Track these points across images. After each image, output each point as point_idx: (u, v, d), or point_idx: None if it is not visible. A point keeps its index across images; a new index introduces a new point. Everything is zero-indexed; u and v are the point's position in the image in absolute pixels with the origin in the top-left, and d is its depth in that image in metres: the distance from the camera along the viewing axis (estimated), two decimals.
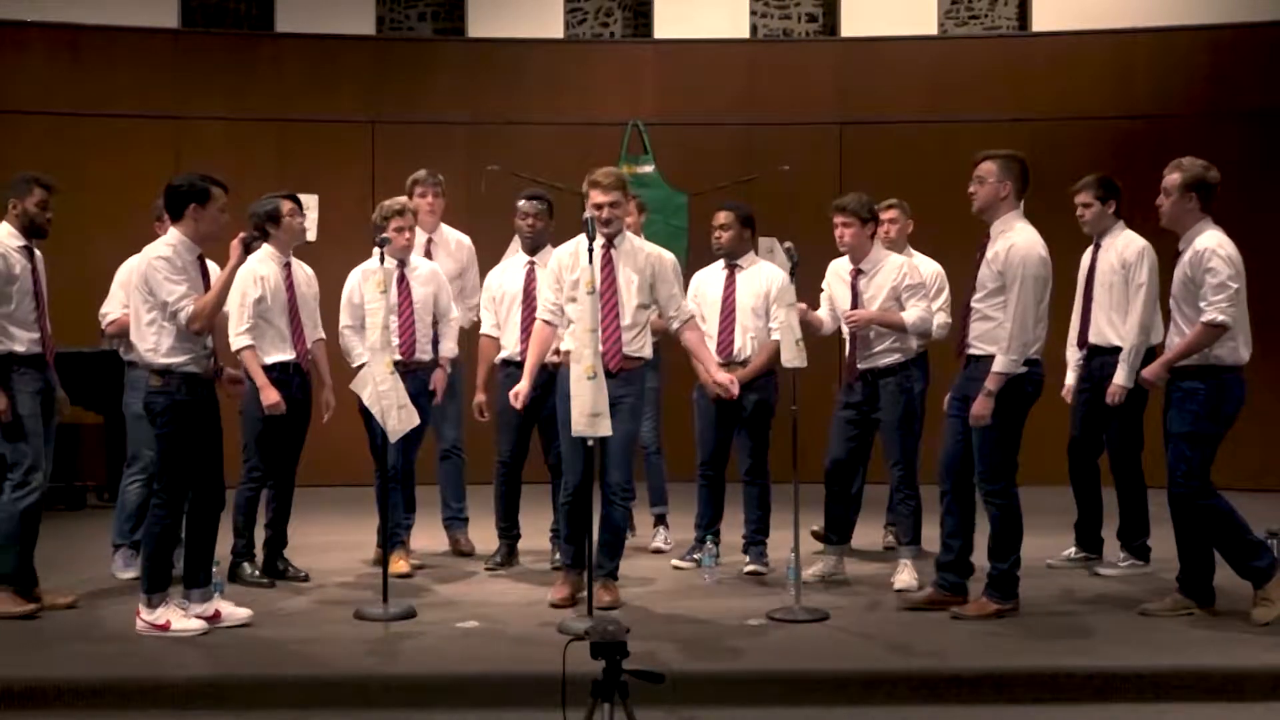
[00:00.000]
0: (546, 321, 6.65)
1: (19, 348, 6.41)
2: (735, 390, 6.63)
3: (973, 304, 6.31)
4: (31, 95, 10.56)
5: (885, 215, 7.61)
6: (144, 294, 6.08)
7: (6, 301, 6.39)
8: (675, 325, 6.68)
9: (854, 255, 7.05)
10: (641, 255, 6.63)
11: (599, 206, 6.51)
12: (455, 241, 8.05)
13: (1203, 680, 5.49)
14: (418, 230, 7.82)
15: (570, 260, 6.53)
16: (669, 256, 6.74)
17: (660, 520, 8.08)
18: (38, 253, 6.58)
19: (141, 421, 6.92)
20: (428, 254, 7.84)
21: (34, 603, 6.41)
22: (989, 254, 6.26)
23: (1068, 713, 5.38)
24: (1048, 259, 6.25)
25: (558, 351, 6.64)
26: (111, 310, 7.23)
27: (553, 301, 6.62)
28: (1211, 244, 6.12)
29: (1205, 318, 6.08)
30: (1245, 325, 6.22)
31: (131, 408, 7.08)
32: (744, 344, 7.24)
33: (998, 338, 6.17)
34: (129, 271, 7.11)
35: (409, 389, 6.61)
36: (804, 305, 6.96)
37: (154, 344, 6.07)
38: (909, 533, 7.09)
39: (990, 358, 6.18)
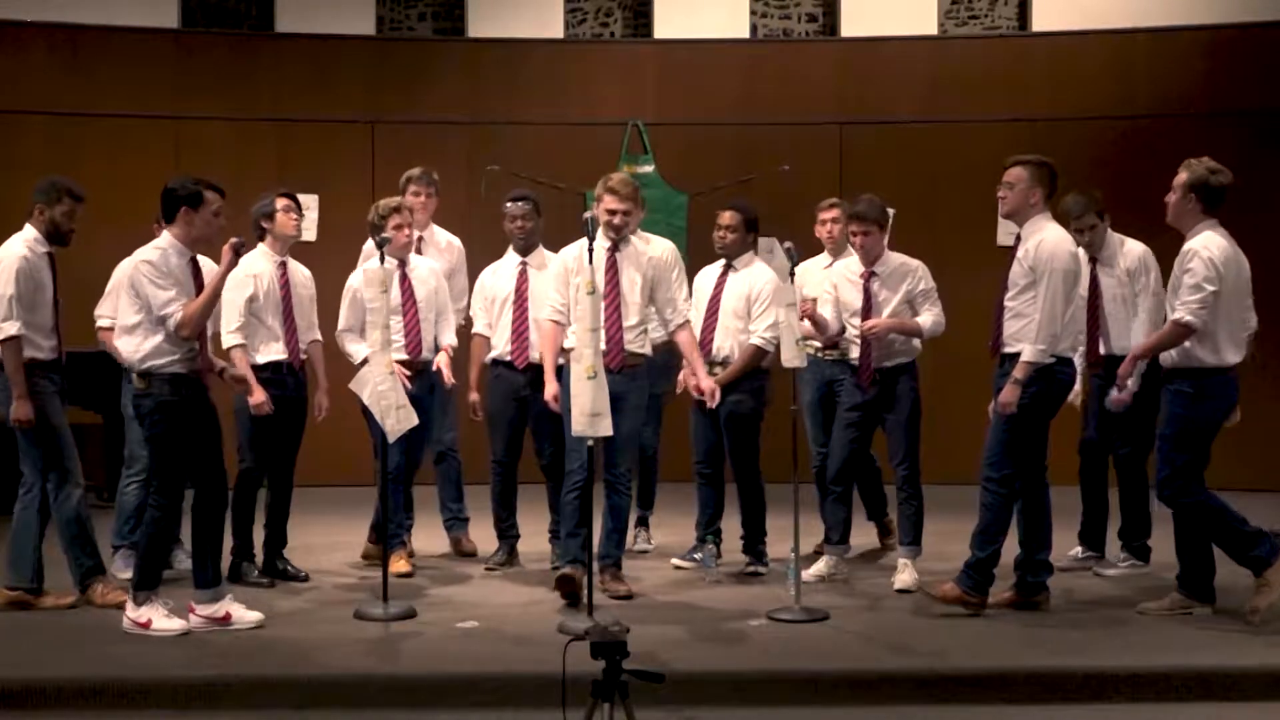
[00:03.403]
0: (556, 322, 6.74)
1: (41, 354, 6.47)
2: (712, 402, 6.75)
3: (1006, 302, 6.34)
4: (31, 95, 10.55)
5: (826, 215, 7.64)
6: (130, 297, 6.08)
7: (33, 310, 6.45)
8: (670, 327, 6.84)
9: (869, 259, 7.05)
10: (644, 257, 6.79)
11: (612, 212, 6.67)
12: (446, 241, 8.02)
13: (1203, 680, 5.49)
14: None
15: (575, 264, 6.61)
16: (672, 256, 6.87)
17: (642, 522, 8.07)
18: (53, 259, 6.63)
19: (136, 423, 6.93)
20: (418, 251, 7.83)
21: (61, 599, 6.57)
22: (1019, 252, 6.32)
23: (1068, 713, 5.38)
24: (1078, 255, 6.37)
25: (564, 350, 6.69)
26: (106, 311, 7.23)
27: (561, 302, 6.70)
28: (1197, 245, 6.15)
29: (1174, 315, 6.13)
30: (1230, 328, 6.19)
31: (128, 409, 7.08)
32: (723, 344, 7.27)
33: (1030, 333, 6.21)
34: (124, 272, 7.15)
35: (417, 388, 6.62)
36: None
37: (136, 346, 6.06)
38: (910, 533, 7.08)
39: None
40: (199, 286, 6.13)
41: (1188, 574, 6.37)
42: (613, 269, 6.69)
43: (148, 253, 6.10)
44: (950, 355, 8.40)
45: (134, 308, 6.07)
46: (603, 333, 6.36)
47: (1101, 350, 7.25)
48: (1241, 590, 6.37)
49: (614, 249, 6.72)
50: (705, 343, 7.27)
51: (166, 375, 6.05)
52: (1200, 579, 6.35)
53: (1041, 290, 6.19)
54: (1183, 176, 6.28)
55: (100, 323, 7.28)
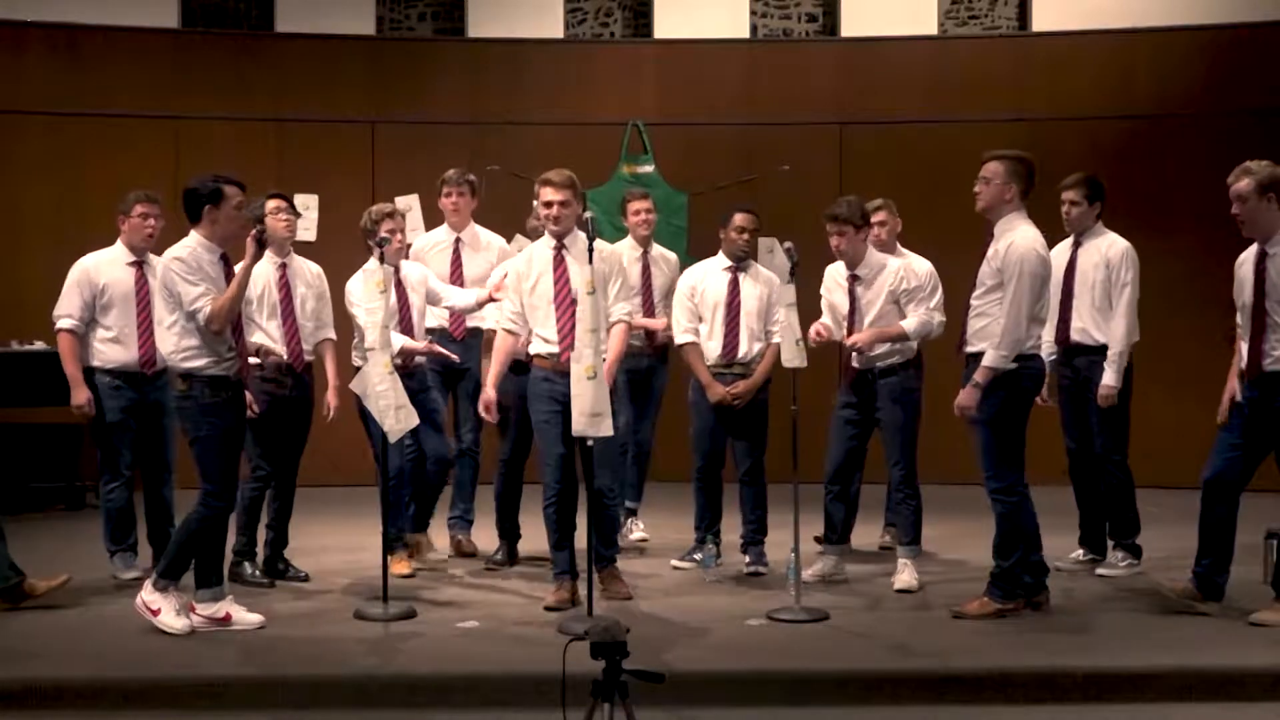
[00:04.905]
0: (508, 330, 6.68)
1: None
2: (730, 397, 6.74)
3: (971, 301, 6.32)
4: (31, 95, 10.55)
5: (874, 217, 7.60)
6: (164, 297, 6.08)
7: None
8: (609, 320, 6.60)
9: (850, 261, 7.02)
10: (596, 253, 6.56)
11: (549, 204, 6.55)
12: (486, 241, 8.01)
13: (1203, 680, 5.49)
14: (448, 230, 7.94)
15: (526, 267, 6.62)
16: (617, 256, 6.75)
17: (631, 513, 8.09)
18: None
19: (108, 429, 6.92)
20: (456, 253, 7.86)
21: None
22: (990, 252, 6.27)
23: (1068, 713, 5.38)
24: (1047, 259, 6.26)
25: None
26: (63, 311, 7.13)
27: (513, 309, 6.66)
28: None
29: None
30: None
31: (109, 414, 7.06)
32: (750, 347, 7.25)
33: (993, 334, 6.17)
34: (81, 271, 7.13)
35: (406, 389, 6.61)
36: (821, 329, 6.94)
37: (175, 345, 6.06)
38: (909, 533, 7.07)
39: None
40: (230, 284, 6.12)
41: (1213, 569, 6.30)
42: (561, 268, 6.54)
43: (177, 250, 6.10)
44: (949, 355, 8.38)
45: (168, 306, 6.07)
46: (556, 333, 6.42)
47: (1074, 337, 7.20)
48: (1242, 591, 6.38)
49: (560, 248, 6.57)
50: (732, 346, 7.24)
51: (206, 378, 6.05)
52: (1216, 575, 6.32)
53: (1008, 294, 6.12)
54: (1248, 182, 6.10)
55: (60, 324, 7.14)
